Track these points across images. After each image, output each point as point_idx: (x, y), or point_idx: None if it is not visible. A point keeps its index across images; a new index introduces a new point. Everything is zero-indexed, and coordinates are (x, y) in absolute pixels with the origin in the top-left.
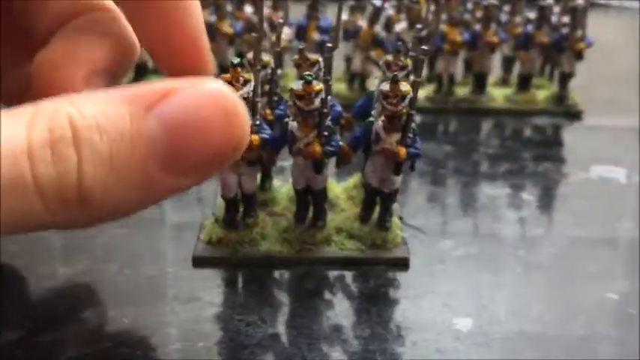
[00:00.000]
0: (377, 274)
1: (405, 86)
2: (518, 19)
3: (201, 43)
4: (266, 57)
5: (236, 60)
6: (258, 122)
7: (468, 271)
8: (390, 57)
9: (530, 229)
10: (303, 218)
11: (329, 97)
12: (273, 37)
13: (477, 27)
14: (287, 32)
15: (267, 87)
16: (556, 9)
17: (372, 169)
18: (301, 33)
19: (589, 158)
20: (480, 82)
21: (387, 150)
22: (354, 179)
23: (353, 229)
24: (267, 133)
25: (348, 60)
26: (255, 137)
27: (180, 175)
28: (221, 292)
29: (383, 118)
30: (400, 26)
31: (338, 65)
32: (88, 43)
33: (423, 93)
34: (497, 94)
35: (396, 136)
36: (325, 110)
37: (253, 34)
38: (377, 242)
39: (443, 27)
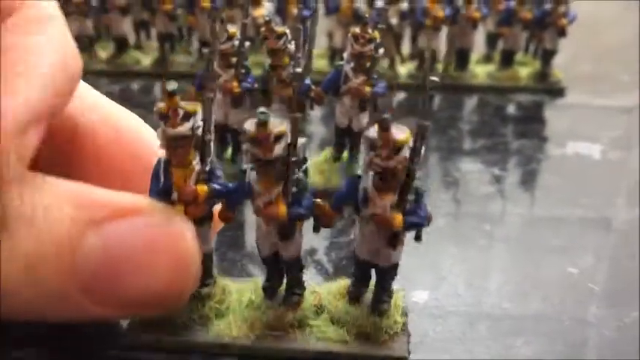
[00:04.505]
0: None
1: (401, 133)
2: None
3: None
4: (232, 28)
5: (172, 86)
6: (209, 168)
7: (431, 244)
8: (357, 29)
9: (498, 204)
10: (272, 292)
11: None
12: (254, 13)
13: (460, 2)
14: (267, 6)
15: (233, 59)
16: None
17: (360, 237)
18: (282, 8)
19: (567, 135)
20: (462, 59)
21: (377, 217)
22: (326, 153)
23: (338, 310)
24: (219, 182)
25: (330, 36)
26: (203, 188)
27: (103, 306)
28: None
29: (372, 173)
30: (381, 1)
31: (319, 41)
32: None
33: (404, 69)
34: (480, 71)
35: (391, 198)
36: (294, 159)
37: (206, 50)
38: (366, 331)
39: (425, 2)
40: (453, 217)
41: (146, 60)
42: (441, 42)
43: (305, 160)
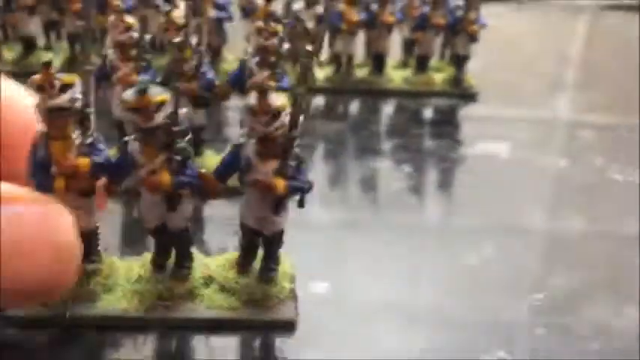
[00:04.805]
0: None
1: (278, 99)
2: (416, 0)
3: None
4: (130, 19)
5: (47, 58)
6: (90, 141)
7: (338, 238)
8: (260, 23)
9: (405, 199)
10: (161, 266)
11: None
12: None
13: (375, 6)
14: (181, 8)
15: (133, 52)
16: None
17: (246, 205)
18: (197, 9)
19: (477, 136)
20: (378, 64)
21: (260, 183)
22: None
23: (227, 280)
24: (101, 155)
25: (247, 39)
26: (85, 161)
27: None
28: None
29: (253, 140)
30: (298, 4)
31: (239, 44)
32: None
33: (322, 74)
34: (397, 76)
35: (274, 164)
36: (175, 129)
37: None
38: (255, 297)
39: (340, 6)
40: (362, 213)
41: (55, 61)
42: (358, 46)
43: (188, 130)
